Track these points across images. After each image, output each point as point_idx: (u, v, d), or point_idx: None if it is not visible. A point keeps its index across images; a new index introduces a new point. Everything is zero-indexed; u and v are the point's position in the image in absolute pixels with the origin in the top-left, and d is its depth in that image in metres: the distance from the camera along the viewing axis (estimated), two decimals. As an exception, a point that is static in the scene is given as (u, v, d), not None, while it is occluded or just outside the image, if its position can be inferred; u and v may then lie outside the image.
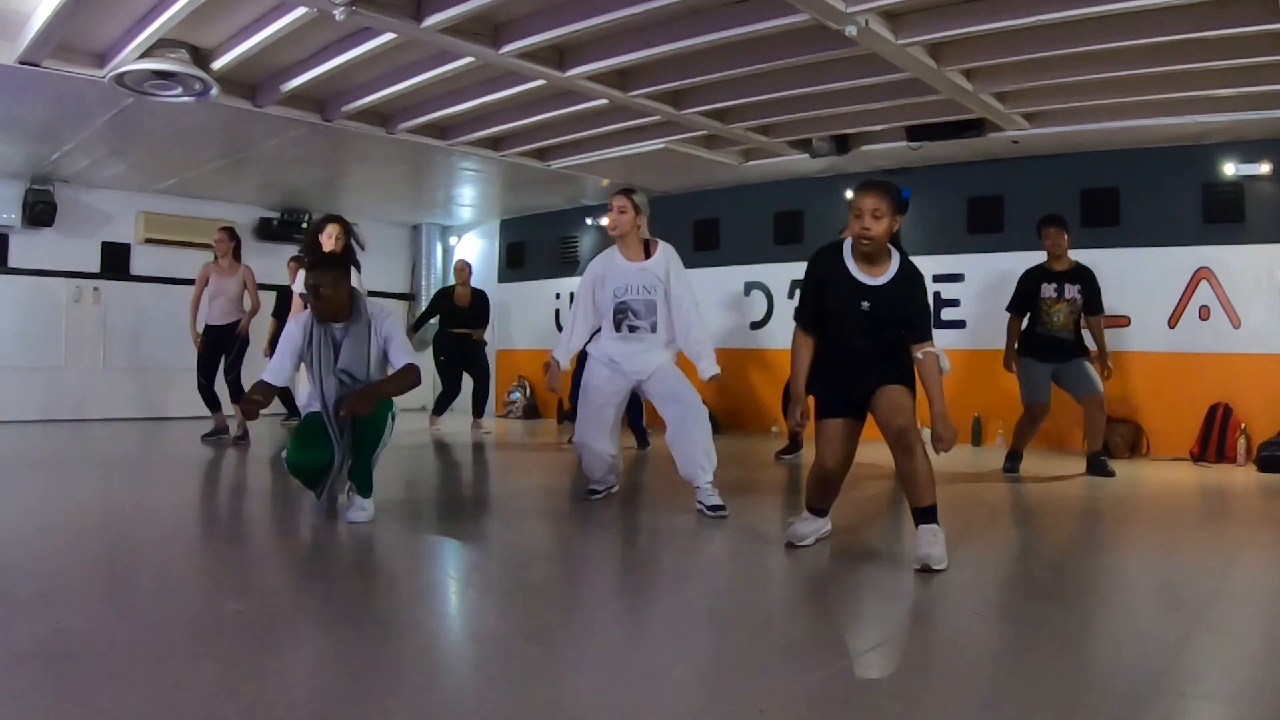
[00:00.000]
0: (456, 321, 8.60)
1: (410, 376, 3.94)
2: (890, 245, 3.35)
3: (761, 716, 1.90)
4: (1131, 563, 3.60)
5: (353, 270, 5.75)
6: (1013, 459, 5.95)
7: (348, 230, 5.28)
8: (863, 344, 3.34)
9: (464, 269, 8.96)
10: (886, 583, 3.24)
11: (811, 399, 3.51)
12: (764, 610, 2.92)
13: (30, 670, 2.08)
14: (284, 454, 3.98)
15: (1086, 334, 5.90)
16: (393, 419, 4.06)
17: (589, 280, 4.43)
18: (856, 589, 3.17)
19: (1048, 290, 5.81)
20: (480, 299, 8.82)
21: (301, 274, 5.07)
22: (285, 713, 1.90)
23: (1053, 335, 5.78)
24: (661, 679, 2.21)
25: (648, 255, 4.35)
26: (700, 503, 4.17)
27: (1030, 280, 5.92)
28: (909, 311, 3.32)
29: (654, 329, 4.26)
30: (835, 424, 3.35)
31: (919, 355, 3.31)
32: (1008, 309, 6.01)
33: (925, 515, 3.20)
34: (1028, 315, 5.92)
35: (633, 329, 4.29)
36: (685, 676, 2.23)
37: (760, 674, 2.20)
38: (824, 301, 3.38)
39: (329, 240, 5.48)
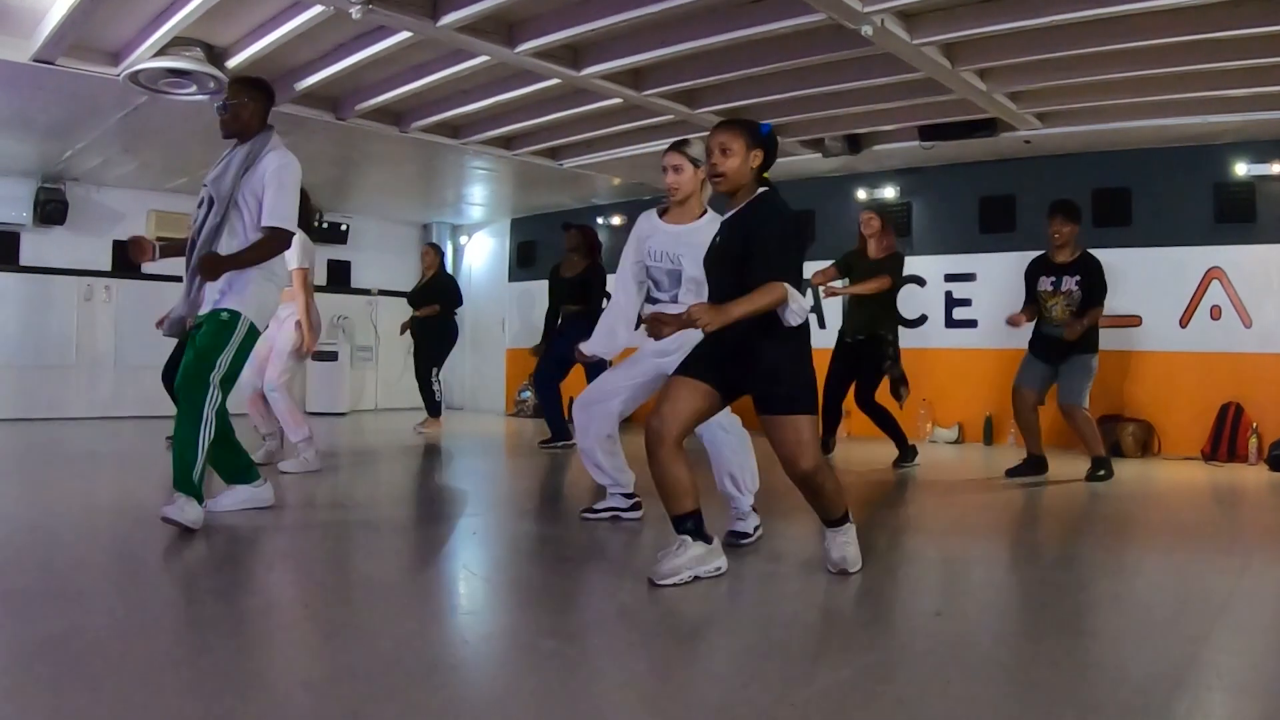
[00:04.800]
0: (415, 302, 8.21)
1: (268, 244, 3.65)
2: (765, 186, 2.97)
3: (793, 709, 1.91)
4: (1147, 561, 3.61)
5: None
6: (1031, 465, 5.56)
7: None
8: (721, 286, 2.95)
9: (425, 253, 8.51)
10: (905, 580, 3.25)
11: None
12: (777, 610, 2.91)
13: (39, 668, 2.07)
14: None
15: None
16: (217, 389, 3.81)
17: (628, 250, 3.78)
18: (874, 587, 3.17)
19: (1044, 283, 5.59)
20: (436, 279, 8.24)
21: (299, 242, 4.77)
22: (295, 712, 1.89)
23: (1051, 333, 5.53)
24: (685, 677, 2.22)
25: (697, 220, 3.59)
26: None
27: (1031, 272, 5.72)
28: (753, 242, 2.82)
29: (675, 301, 3.58)
30: (680, 380, 2.92)
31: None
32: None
33: (836, 523, 3.06)
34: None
35: (654, 302, 3.69)
36: (706, 674, 2.24)
37: (785, 672, 2.21)
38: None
39: None
